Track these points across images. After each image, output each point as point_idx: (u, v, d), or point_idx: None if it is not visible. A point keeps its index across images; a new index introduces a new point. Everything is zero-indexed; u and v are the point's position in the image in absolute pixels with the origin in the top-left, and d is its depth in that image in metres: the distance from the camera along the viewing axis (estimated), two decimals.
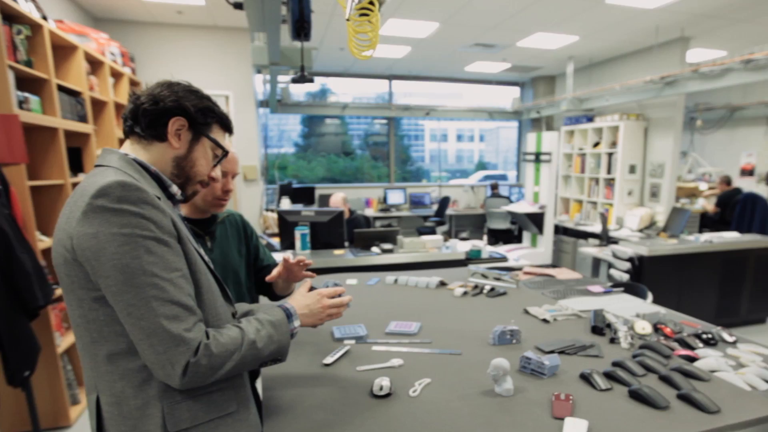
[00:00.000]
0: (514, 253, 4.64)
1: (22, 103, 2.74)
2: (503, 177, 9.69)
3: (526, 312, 1.85)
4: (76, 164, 3.52)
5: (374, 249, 3.51)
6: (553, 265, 4.92)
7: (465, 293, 2.11)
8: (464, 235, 7.53)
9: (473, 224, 8.00)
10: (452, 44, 5.99)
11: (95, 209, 0.85)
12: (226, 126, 1.14)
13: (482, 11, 4.73)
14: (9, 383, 2.26)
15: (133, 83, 4.92)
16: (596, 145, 6.38)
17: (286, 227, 3.75)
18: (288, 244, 3.72)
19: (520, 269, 2.57)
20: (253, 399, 1.15)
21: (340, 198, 4.34)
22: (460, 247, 3.52)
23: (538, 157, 5.45)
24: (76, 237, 0.86)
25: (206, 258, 1.08)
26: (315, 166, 10.38)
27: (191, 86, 1.08)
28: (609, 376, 1.28)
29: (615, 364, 1.35)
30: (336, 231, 3.78)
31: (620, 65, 6.39)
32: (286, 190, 7.05)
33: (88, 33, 4.09)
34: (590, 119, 6.50)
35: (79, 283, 0.88)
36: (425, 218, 7.34)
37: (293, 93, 7.98)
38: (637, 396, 1.16)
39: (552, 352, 1.45)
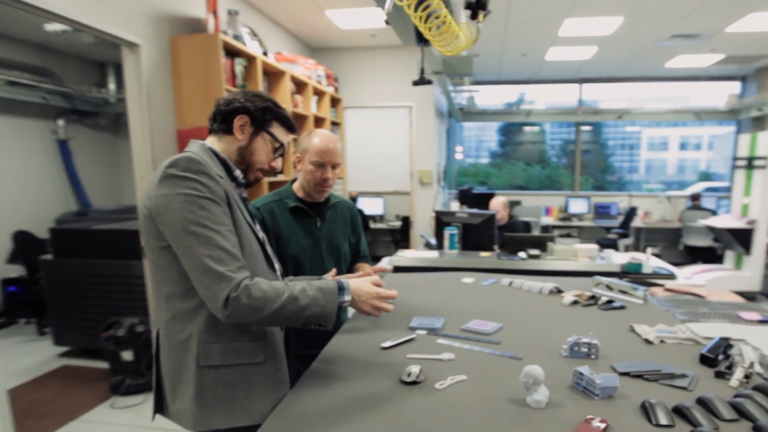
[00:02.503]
0: (705, 276, 3.80)
1: None
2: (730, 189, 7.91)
3: (632, 330, 1.55)
4: None
5: (521, 254, 3.32)
6: (761, 294, 3.82)
7: (575, 302, 1.87)
8: (655, 251, 6.41)
9: (667, 239, 6.74)
10: (645, 39, 5.21)
11: (167, 176, 1.07)
12: (286, 124, 1.29)
13: None
14: None
15: (334, 100, 5.63)
16: None
17: (441, 227, 3.82)
18: (442, 243, 3.79)
19: (661, 285, 2.13)
20: (285, 358, 1.27)
21: (500, 202, 4.21)
22: (617, 259, 3.06)
23: (750, 163, 4.32)
24: (153, 197, 1.08)
25: (260, 235, 1.26)
26: (504, 174, 10.20)
27: (261, 93, 1.27)
28: (679, 411, 1.01)
29: (699, 400, 1.05)
30: (487, 233, 3.69)
31: None
32: (464, 195, 7.09)
33: (297, 60, 4.84)
34: None
35: (152, 234, 1.11)
36: (608, 230, 6.50)
37: (478, 103, 7.99)
38: None
39: (626, 374, 1.21)
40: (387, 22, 2.80)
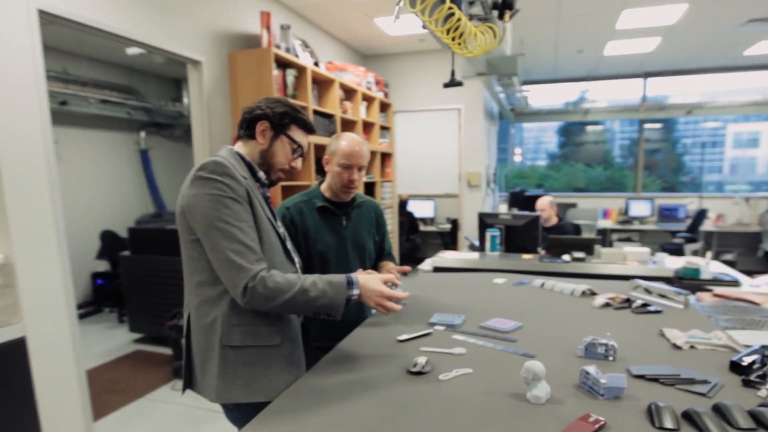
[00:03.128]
0: None
1: None
2: None
3: (661, 334, 1.45)
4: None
5: (564, 257, 3.18)
6: None
7: (607, 305, 1.77)
8: (729, 257, 5.83)
9: (744, 245, 6.10)
10: (716, 26, 4.78)
11: (196, 178, 1.17)
12: (304, 126, 1.35)
13: None
14: None
15: (384, 105, 5.67)
16: None
17: (484, 229, 3.75)
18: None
19: (709, 290, 1.95)
20: (302, 344, 1.33)
21: (547, 201, 4.05)
22: (670, 263, 2.84)
23: None
24: (185, 197, 1.19)
25: (280, 231, 1.34)
26: (562, 176, 9.78)
27: (281, 99, 1.34)
28: (688, 417, 0.94)
29: (715, 407, 0.97)
30: (530, 235, 3.57)
31: None
32: (516, 198, 6.89)
33: (347, 68, 4.94)
34: None
35: (184, 228, 1.21)
36: (674, 234, 6.01)
37: (534, 103, 7.74)
38: None
39: (641, 377, 1.14)
40: (424, 26, 2.80)
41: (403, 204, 6.60)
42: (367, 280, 1.24)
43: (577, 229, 4.13)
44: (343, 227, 1.77)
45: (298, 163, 1.37)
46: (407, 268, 1.73)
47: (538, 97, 8.21)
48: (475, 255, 3.43)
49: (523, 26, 4.88)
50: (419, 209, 6.86)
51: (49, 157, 2.22)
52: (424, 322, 1.63)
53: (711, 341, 1.34)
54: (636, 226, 6.41)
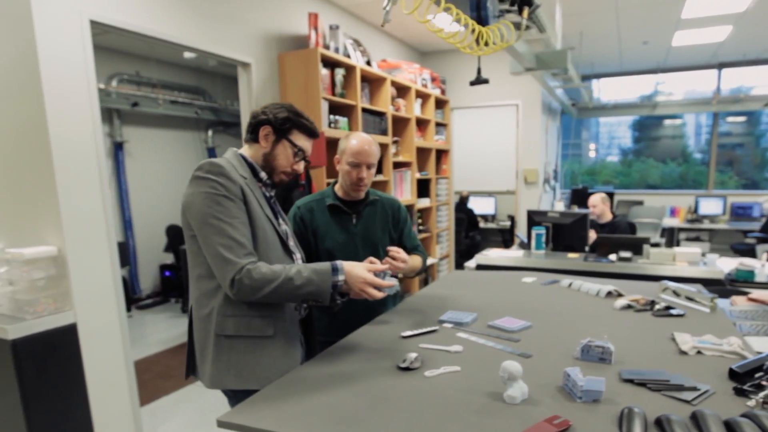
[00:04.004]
0: None
1: (331, 123, 3.70)
2: None
3: (673, 338, 1.40)
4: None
5: (611, 256, 3.06)
6: None
7: (628, 307, 1.73)
8: None
9: None
10: None
11: (194, 177, 1.25)
12: (306, 131, 1.41)
13: None
14: None
15: (440, 101, 5.64)
16: None
17: (532, 227, 3.69)
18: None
19: (745, 294, 1.83)
20: (301, 336, 1.41)
21: (599, 197, 3.89)
22: (722, 265, 2.66)
23: None
24: (185, 195, 1.28)
25: (281, 228, 1.42)
26: (633, 172, 9.24)
27: (285, 104, 1.41)
28: (659, 423, 0.94)
29: (693, 415, 0.96)
30: (578, 234, 3.48)
31: None
32: (579, 195, 6.63)
33: (401, 65, 4.97)
34: None
35: (185, 225, 1.31)
36: (745, 233, 5.49)
37: (604, 97, 7.38)
38: None
39: (630, 381, 1.13)
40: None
41: (463, 201, 6.56)
42: (353, 266, 1.29)
43: (632, 227, 3.94)
44: (353, 225, 1.81)
45: (300, 166, 1.43)
46: (397, 250, 1.60)
47: (610, 91, 7.79)
48: (519, 253, 3.40)
49: (581, 19, 4.69)
50: (480, 206, 6.78)
51: (99, 155, 2.34)
52: (436, 320, 1.66)
53: (721, 347, 1.29)
54: (705, 225, 5.93)
